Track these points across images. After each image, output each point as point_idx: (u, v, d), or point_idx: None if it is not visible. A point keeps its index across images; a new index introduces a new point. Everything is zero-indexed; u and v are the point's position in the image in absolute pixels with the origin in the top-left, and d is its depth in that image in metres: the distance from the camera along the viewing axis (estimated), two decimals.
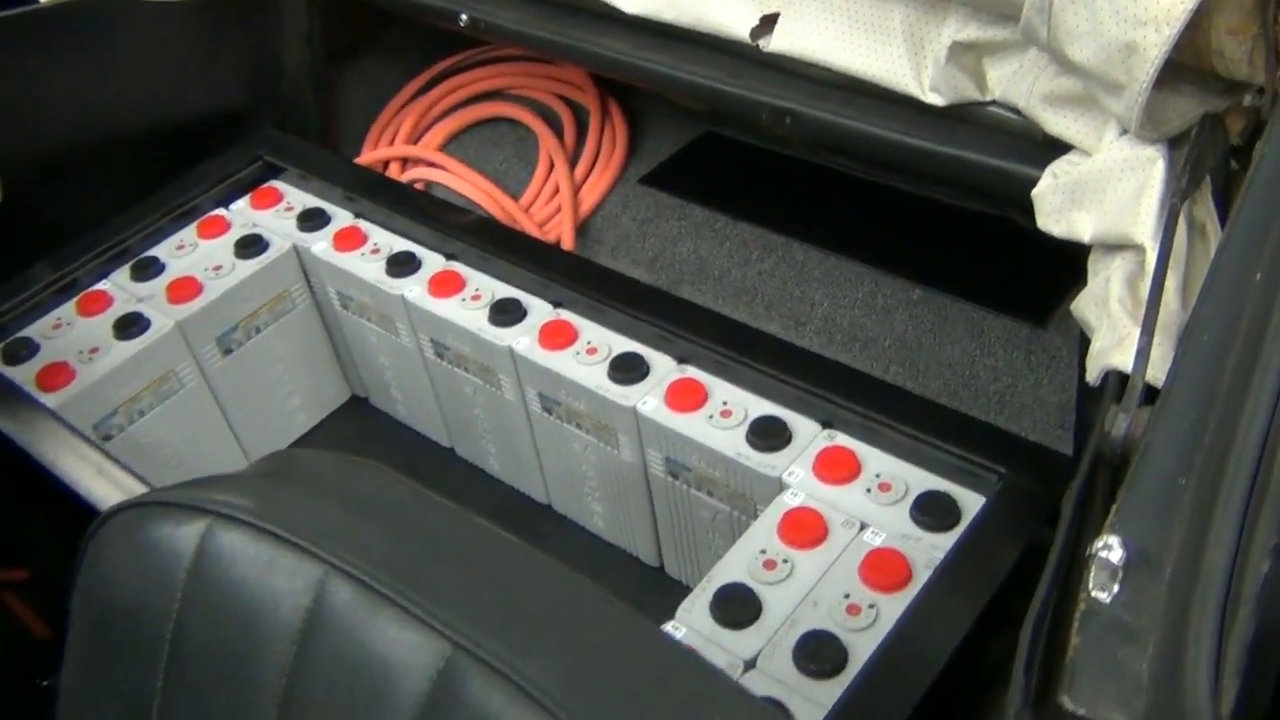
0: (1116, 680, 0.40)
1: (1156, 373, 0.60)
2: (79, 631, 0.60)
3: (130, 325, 1.11)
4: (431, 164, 1.42)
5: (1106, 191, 0.74)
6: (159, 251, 1.21)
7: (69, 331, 1.12)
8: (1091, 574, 0.43)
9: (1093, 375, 0.68)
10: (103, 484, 0.91)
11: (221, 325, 1.17)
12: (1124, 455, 0.53)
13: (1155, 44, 0.66)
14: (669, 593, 1.08)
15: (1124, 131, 0.75)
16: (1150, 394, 0.58)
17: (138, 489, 0.90)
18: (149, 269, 1.18)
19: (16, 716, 1.16)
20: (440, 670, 0.49)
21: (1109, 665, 0.40)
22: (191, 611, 0.55)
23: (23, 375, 1.07)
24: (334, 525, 0.54)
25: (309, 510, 0.55)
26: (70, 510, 0.93)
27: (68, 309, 1.15)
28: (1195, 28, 0.67)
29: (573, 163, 1.40)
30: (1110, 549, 0.43)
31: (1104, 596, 0.42)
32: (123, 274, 1.19)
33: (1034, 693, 0.45)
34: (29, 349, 1.10)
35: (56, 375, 1.07)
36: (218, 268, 1.18)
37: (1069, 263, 0.99)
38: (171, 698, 0.56)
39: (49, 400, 1.04)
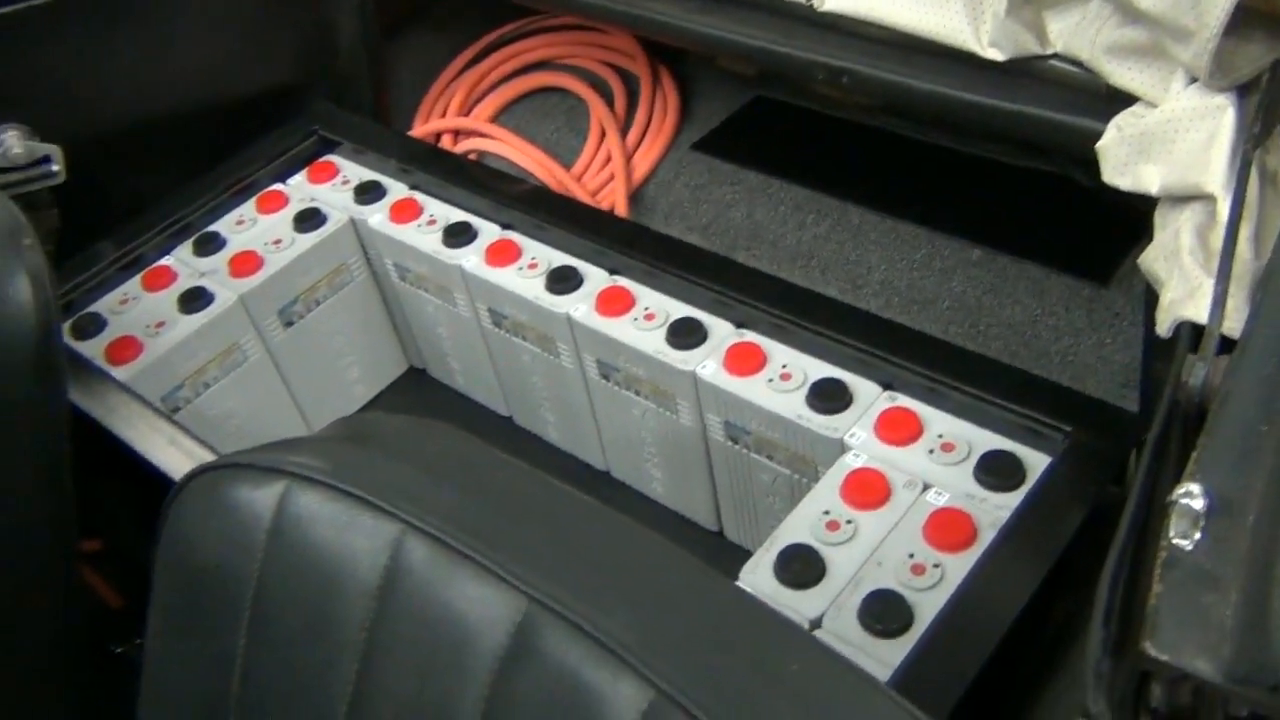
0: (1201, 627, 0.40)
1: (1231, 324, 0.60)
2: (162, 594, 0.62)
3: (194, 299, 1.13)
4: (484, 135, 1.43)
5: (1175, 142, 0.73)
6: (220, 226, 1.23)
7: (135, 306, 1.15)
8: (1172, 522, 0.42)
9: (1164, 327, 0.67)
10: (175, 454, 0.93)
11: (282, 298, 1.19)
12: (1201, 404, 0.52)
13: None
14: (728, 557, 1.09)
15: (1192, 80, 0.73)
16: (1225, 345, 0.57)
17: (208, 458, 0.92)
18: (210, 244, 1.20)
19: (93, 681, 1.19)
20: (518, 625, 0.50)
21: (1192, 612, 0.40)
22: (272, 571, 0.56)
23: (92, 350, 1.10)
24: (409, 485, 0.55)
25: (385, 470, 0.56)
26: (142, 481, 0.95)
27: (133, 284, 1.17)
28: None
29: (624, 131, 1.39)
30: (1191, 496, 0.42)
31: (1185, 544, 0.42)
32: (185, 249, 1.21)
33: (1113, 642, 0.45)
34: (97, 324, 1.13)
35: (125, 349, 1.09)
36: (277, 241, 1.19)
37: (1130, 220, 0.97)
38: (254, 656, 0.57)
39: (119, 374, 1.07)
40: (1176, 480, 0.46)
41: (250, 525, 0.57)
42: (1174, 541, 0.42)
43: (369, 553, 0.54)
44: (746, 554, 1.08)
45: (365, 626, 0.54)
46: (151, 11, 1.21)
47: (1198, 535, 0.42)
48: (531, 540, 0.53)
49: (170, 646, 0.61)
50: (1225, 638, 0.39)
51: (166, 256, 1.20)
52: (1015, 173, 1.22)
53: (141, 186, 1.25)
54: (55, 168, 1.14)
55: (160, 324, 1.12)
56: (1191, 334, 0.62)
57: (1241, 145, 0.67)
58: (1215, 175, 0.68)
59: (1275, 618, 0.38)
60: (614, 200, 1.33)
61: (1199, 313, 0.62)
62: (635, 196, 1.35)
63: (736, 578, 0.82)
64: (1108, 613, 0.45)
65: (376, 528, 0.54)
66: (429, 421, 0.61)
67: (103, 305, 1.15)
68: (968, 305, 1.13)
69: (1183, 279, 0.66)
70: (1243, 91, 0.72)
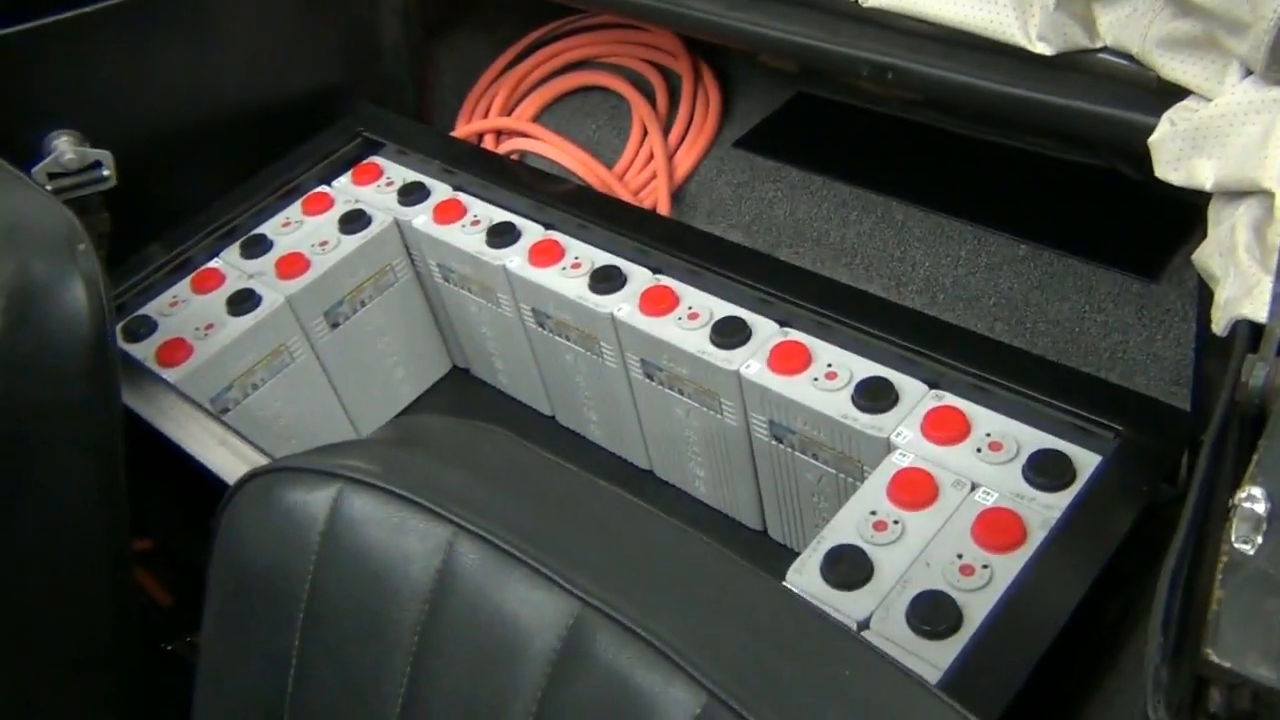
0: (1264, 633, 0.39)
1: None
2: (217, 594, 0.63)
3: (243, 301, 1.15)
4: (526, 135, 1.43)
5: (1230, 136, 0.71)
6: (266, 229, 1.24)
7: (185, 309, 1.16)
8: (1234, 525, 0.42)
9: (1220, 326, 0.66)
10: (225, 455, 0.95)
11: (328, 299, 1.20)
12: (1262, 405, 0.51)
13: None
14: (773, 557, 1.09)
15: (1247, 73, 0.72)
16: None
17: (257, 459, 0.93)
18: (258, 246, 1.22)
19: (144, 678, 1.21)
20: (570, 628, 0.50)
21: (1255, 617, 0.40)
22: (326, 573, 0.57)
23: (144, 352, 1.11)
24: (461, 488, 0.55)
25: (436, 474, 0.57)
26: (193, 481, 0.96)
27: (183, 287, 1.19)
28: None
29: (666, 129, 1.39)
30: (1254, 500, 0.42)
31: (1248, 548, 0.41)
32: (233, 251, 1.22)
33: (1172, 648, 0.44)
34: (148, 326, 1.14)
35: (175, 351, 1.11)
36: (323, 243, 1.20)
37: (1180, 215, 0.96)
38: (309, 656, 0.58)
39: (169, 376, 1.08)
40: (1237, 483, 0.45)
41: (304, 528, 0.57)
42: (1236, 546, 0.41)
43: (421, 555, 0.55)
44: (791, 553, 1.08)
45: (418, 628, 0.54)
46: (197, 17, 1.23)
47: (1260, 539, 0.41)
48: (583, 544, 0.53)
49: (227, 647, 0.62)
50: None
51: (215, 259, 1.22)
52: (1061, 167, 1.20)
53: (190, 190, 1.27)
54: (106, 172, 1.15)
55: (209, 326, 1.13)
56: (1249, 332, 0.61)
57: None
58: (1272, 170, 0.67)
59: None
60: (656, 199, 1.33)
61: (1257, 311, 0.61)
62: (677, 195, 1.35)
63: (782, 578, 0.82)
64: (1166, 618, 0.45)
65: (429, 530, 0.55)
66: (479, 424, 0.62)
67: (153, 308, 1.17)
68: (1014, 302, 1.12)
69: (1239, 276, 0.65)
70: None
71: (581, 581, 0.50)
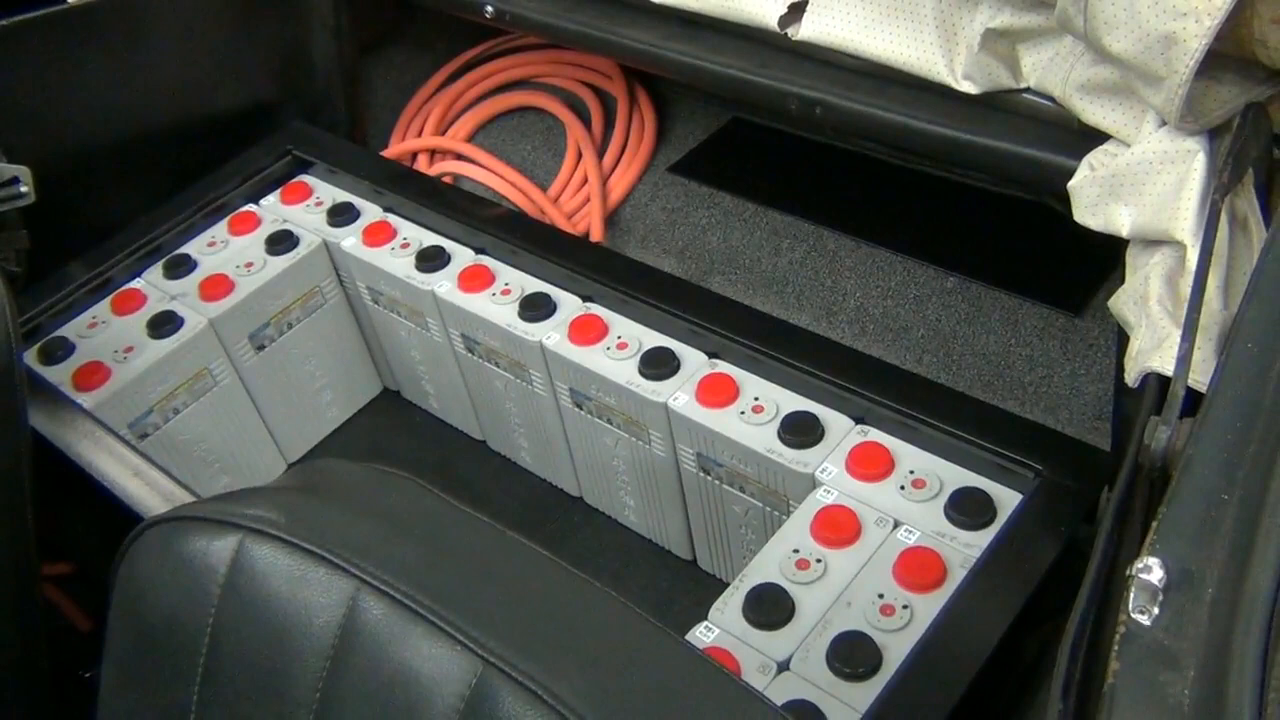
0: (1157, 707, 0.39)
1: (1198, 376, 0.59)
2: (116, 645, 0.61)
3: (164, 324, 1.12)
4: (459, 155, 1.42)
5: (1145, 185, 0.72)
6: (191, 249, 1.22)
7: (104, 330, 1.13)
8: (1131, 595, 0.42)
9: (1132, 377, 0.66)
10: (139, 485, 0.92)
11: (254, 322, 1.17)
12: (1164, 468, 0.52)
13: (1196, 35, 0.64)
14: (701, 586, 1.08)
15: (1163, 123, 0.73)
16: (1191, 397, 0.57)
17: (173, 490, 0.91)
18: (181, 266, 1.19)
19: (60, 706, 1.17)
20: (472, 687, 0.49)
21: (1149, 692, 0.40)
22: (226, 625, 0.55)
23: (60, 375, 1.08)
24: (366, 540, 0.54)
25: (341, 524, 0.55)
26: (109, 509, 0.94)
27: (103, 308, 1.16)
28: (1236, 17, 0.65)
29: (601, 152, 1.39)
30: (1150, 570, 0.42)
31: (1144, 619, 0.41)
32: (156, 272, 1.19)
33: (1073, 714, 0.44)
34: (65, 348, 1.11)
35: (93, 375, 1.08)
36: (249, 264, 1.18)
37: (1106, 250, 0.97)
38: (207, 710, 0.56)
39: (85, 400, 1.05)
40: (1139, 547, 0.45)
41: (204, 578, 0.56)
42: (1133, 616, 0.41)
43: (324, 609, 0.53)
44: (719, 583, 1.08)
45: (319, 684, 0.53)
46: (122, 31, 1.20)
47: (1156, 610, 0.41)
48: (488, 600, 0.52)
49: (123, 699, 0.60)
50: (1181, 718, 0.39)
51: (137, 279, 1.19)
52: (992, 200, 1.22)
53: (113, 207, 1.24)
54: (24, 189, 1.12)
55: (129, 349, 1.10)
56: (1158, 387, 0.62)
57: (1211, 192, 0.67)
58: (1185, 222, 0.68)
59: (1232, 699, 0.38)
60: (590, 222, 1.32)
61: (1166, 364, 0.62)
62: (612, 218, 1.35)
63: (708, 609, 0.81)
64: (1066, 685, 0.45)
65: (332, 584, 0.53)
66: (389, 471, 0.60)
67: (71, 329, 1.14)
68: (942, 334, 1.13)
69: (1151, 329, 0.66)
70: (1214, 135, 0.72)
71: (485, 640, 0.49)
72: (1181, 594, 0.42)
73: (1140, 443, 0.53)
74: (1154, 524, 0.44)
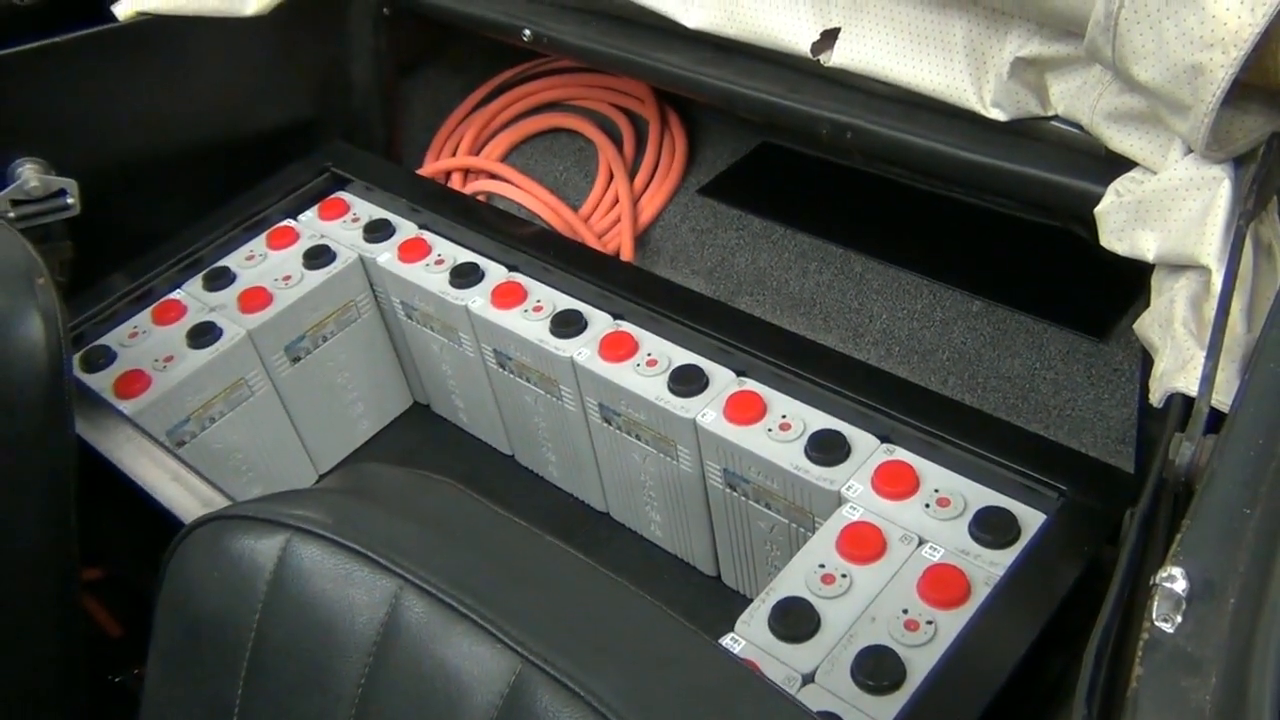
0: (1179, 712, 0.40)
1: (1222, 396, 0.60)
2: (162, 639, 0.63)
3: (203, 334, 1.15)
4: (493, 175, 1.44)
5: (1171, 211, 0.74)
6: (230, 261, 1.24)
7: (145, 340, 1.16)
8: (1155, 604, 0.43)
9: (1156, 398, 0.68)
10: (178, 490, 0.94)
11: (290, 334, 1.20)
12: (1188, 483, 0.53)
13: (1222, 66, 0.66)
14: (726, 602, 1.10)
15: (1189, 150, 0.74)
16: (1214, 418, 0.58)
17: (211, 495, 0.93)
18: (221, 279, 1.22)
19: (91, 710, 1.19)
20: (511, 685, 0.50)
21: (1172, 697, 0.41)
22: (272, 622, 0.57)
23: (101, 383, 1.11)
24: (409, 541, 0.56)
25: (385, 525, 0.57)
26: (145, 514, 0.96)
27: (144, 318, 1.19)
28: (1263, 47, 0.67)
29: (632, 173, 1.41)
30: (1174, 579, 0.43)
31: (1167, 627, 0.42)
32: (196, 283, 1.22)
33: None
34: (107, 357, 1.14)
35: (133, 383, 1.11)
36: (287, 278, 1.21)
37: (1131, 276, 0.98)
38: (251, 704, 0.58)
39: (126, 407, 1.08)
40: (1163, 558, 0.46)
41: (251, 576, 0.58)
42: (1156, 624, 0.42)
43: (367, 607, 0.55)
44: (743, 599, 1.09)
45: (361, 680, 0.55)
46: (168, 49, 1.23)
47: (1179, 618, 0.42)
48: (527, 600, 0.53)
49: (170, 693, 0.62)
50: None
51: (177, 290, 1.22)
52: (1018, 225, 1.23)
53: (155, 220, 1.27)
54: (70, 201, 1.16)
55: (169, 358, 1.13)
56: (1182, 407, 0.63)
57: (1236, 218, 0.68)
58: (1210, 247, 0.69)
59: (1253, 702, 0.39)
60: (620, 243, 1.34)
61: (1190, 385, 0.63)
62: (641, 239, 1.37)
63: (733, 624, 0.82)
64: (1090, 691, 0.46)
65: (375, 583, 0.55)
66: (430, 476, 0.62)
67: (113, 338, 1.17)
68: (967, 357, 1.14)
69: (1175, 350, 0.67)
70: (1239, 163, 0.73)
71: (524, 638, 0.51)
72: (1204, 603, 0.43)
73: (1165, 459, 0.54)
74: (1178, 536, 0.45)
